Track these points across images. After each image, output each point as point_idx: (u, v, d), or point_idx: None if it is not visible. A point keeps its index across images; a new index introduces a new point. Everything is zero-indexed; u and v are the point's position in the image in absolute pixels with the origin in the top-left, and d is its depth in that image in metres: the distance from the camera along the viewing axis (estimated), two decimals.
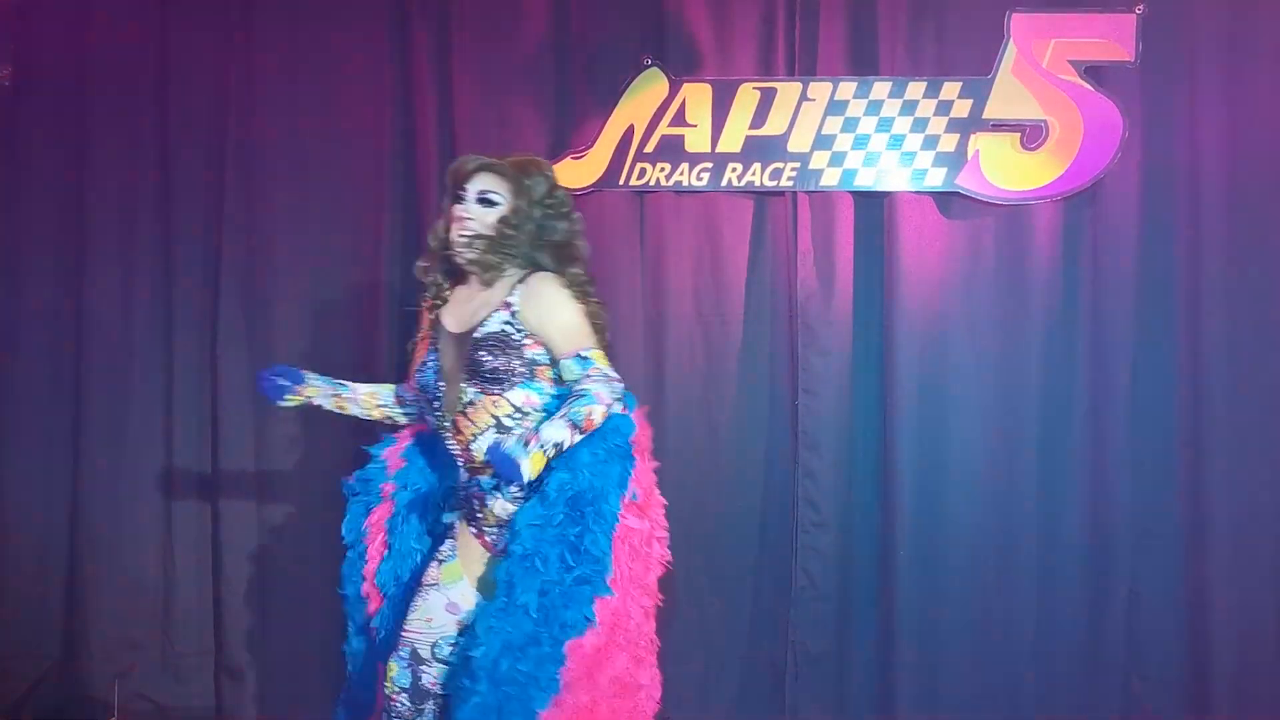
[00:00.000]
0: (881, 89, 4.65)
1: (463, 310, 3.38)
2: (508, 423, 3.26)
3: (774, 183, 4.67)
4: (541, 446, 3.08)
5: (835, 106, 4.66)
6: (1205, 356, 4.55)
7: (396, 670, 3.30)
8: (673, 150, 4.70)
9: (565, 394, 3.24)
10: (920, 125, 4.64)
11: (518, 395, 3.27)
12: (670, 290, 4.73)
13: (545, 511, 3.17)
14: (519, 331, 3.28)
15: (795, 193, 4.69)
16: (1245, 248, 4.56)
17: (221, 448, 4.79)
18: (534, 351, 3.27)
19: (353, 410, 3.68)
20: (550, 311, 3.29)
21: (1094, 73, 4.57)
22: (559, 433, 3.12)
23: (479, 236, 3.34)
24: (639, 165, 4.71)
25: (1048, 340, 4.61)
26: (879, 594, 4.64)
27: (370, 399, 3.68)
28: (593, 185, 4.70)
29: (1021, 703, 4.57)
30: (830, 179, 4.67)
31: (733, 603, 4.71)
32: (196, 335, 4.83)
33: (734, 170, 4.69)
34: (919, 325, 4.63)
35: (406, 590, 3.45)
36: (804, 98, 4.67)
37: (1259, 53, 4.56)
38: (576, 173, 4.70)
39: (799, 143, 4.67)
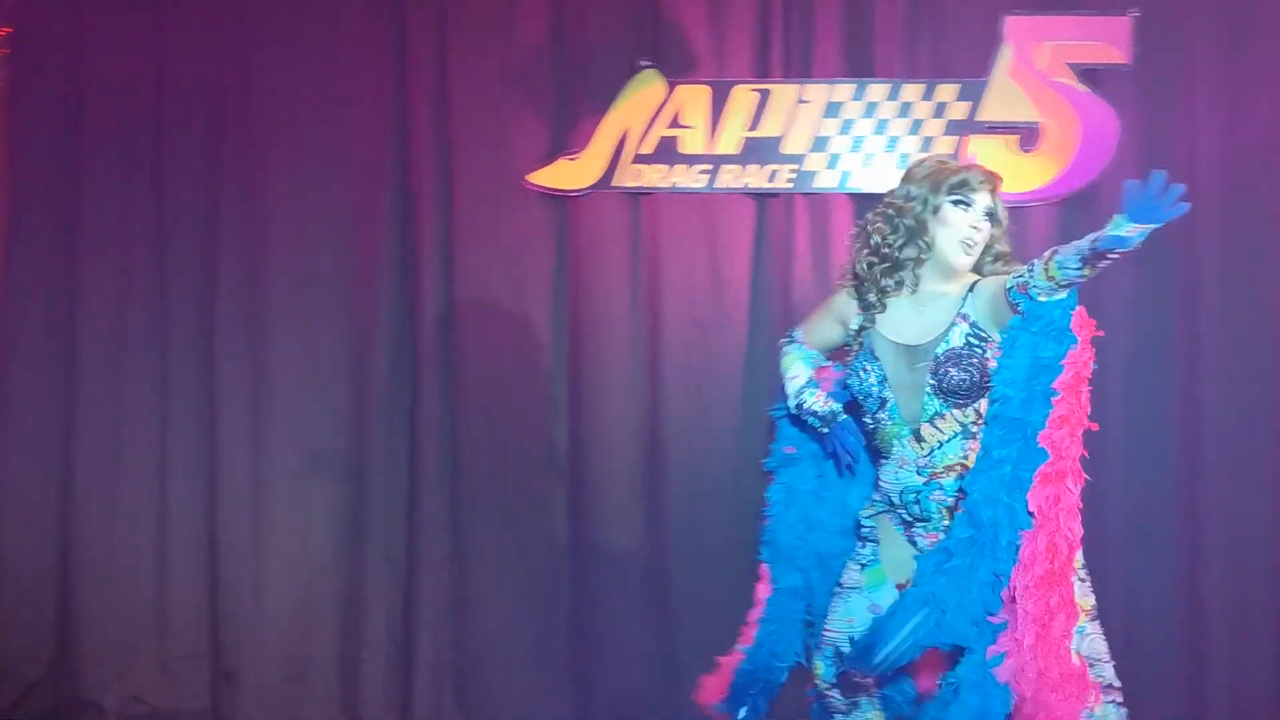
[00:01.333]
0: (878, 91, 4.66)
1: (908, 321, 3.31)
2: (973, 429, 3.24)
3: (771, 184, 4.68)
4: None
5: (832, 108, 4.67)
6: (1202, 356, 4.56)
7: (823, 669, 3.39)
8: (669, 152, 4.70)
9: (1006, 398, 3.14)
10: (917, 127, 4.65)
11: (982, 404, 3.21)
12: (666, 292, 4.73)
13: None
14: (982, 342, 3.23)
15: (792, 194, 4.69)
16: (1242, 249, 4.57)
17: (219, 446, 4.78)
18: (993, 365, 3.20)
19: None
20: (987, 292, 3.24)
21: (1090, 75, 4.58)
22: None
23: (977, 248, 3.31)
24: (635, 167, 4.71)
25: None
26: None
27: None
28: (588, 187, 4.71)
29: None
30: (827, 181, 4.67)
31: (735, 607, 4.69)
32: (194, 339, 4.82)
33: (731, 172, 4.70)
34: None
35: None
36: (800, 100, 4.67)
37: (1255, 54, 4.57)
38: (572, 174, 4.71)
39: (796, 145, 4.67)
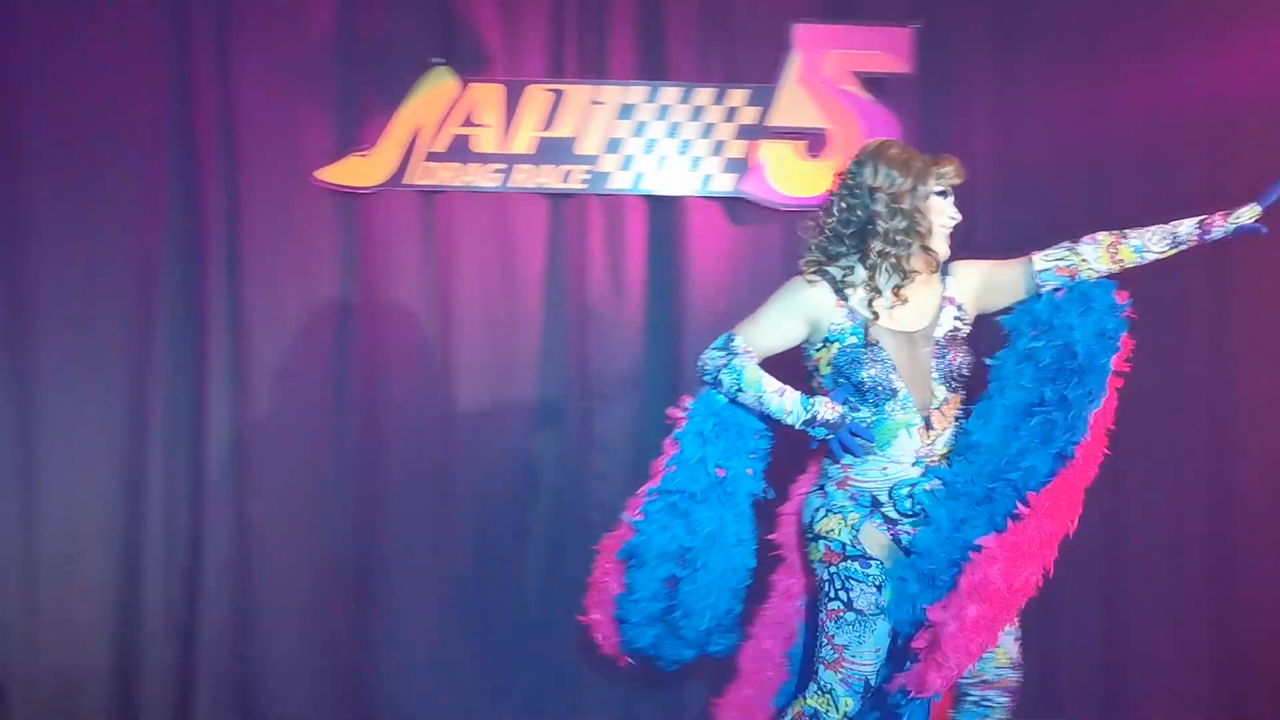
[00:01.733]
0: (670, 94, 4.70)
1: (905, 308, 3.27)
2: (961, 416, 3.26)
3: (565, 185, 4.67)
4: None
5: (625, 110, 4.69)
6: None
7: (852, 704, 3.22)
8: (462, 150, 4.65)
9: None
10: (708, 131, 4.71)
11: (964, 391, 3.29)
12: (459, 292, 4.68)
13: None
14: (966, 325, 3.31)
15: (586, 195, 4.70)
16: (1014, 251, 4.73)
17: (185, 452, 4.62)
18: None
19: None
20: (973, 275, 3.34)
21: (874, 84, 4.71)
22: None
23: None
24: (428, 165, 4.65)
25: None
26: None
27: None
28: (379, 184, 4.63)
29: None
30: (620, 182, 4.69)
31: (525, 606, 4.68)
32: None
33: (524, 172, 4.68)
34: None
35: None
36: (594, 101, 4.68)
37: (1027, 64, 4.76)
38: (362, 171, 4.63)
39: (590, 145, 4.68)
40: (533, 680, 4.67)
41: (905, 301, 3.27)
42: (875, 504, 3.24)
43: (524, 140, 4.67)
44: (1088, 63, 4.76)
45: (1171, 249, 3.25)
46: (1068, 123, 4.74)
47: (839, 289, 3.27)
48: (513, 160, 4.67)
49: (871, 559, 3.21)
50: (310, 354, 4.66)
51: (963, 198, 4.61)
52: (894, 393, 3.22)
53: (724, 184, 4.70)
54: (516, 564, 4.68)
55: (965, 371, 3.27)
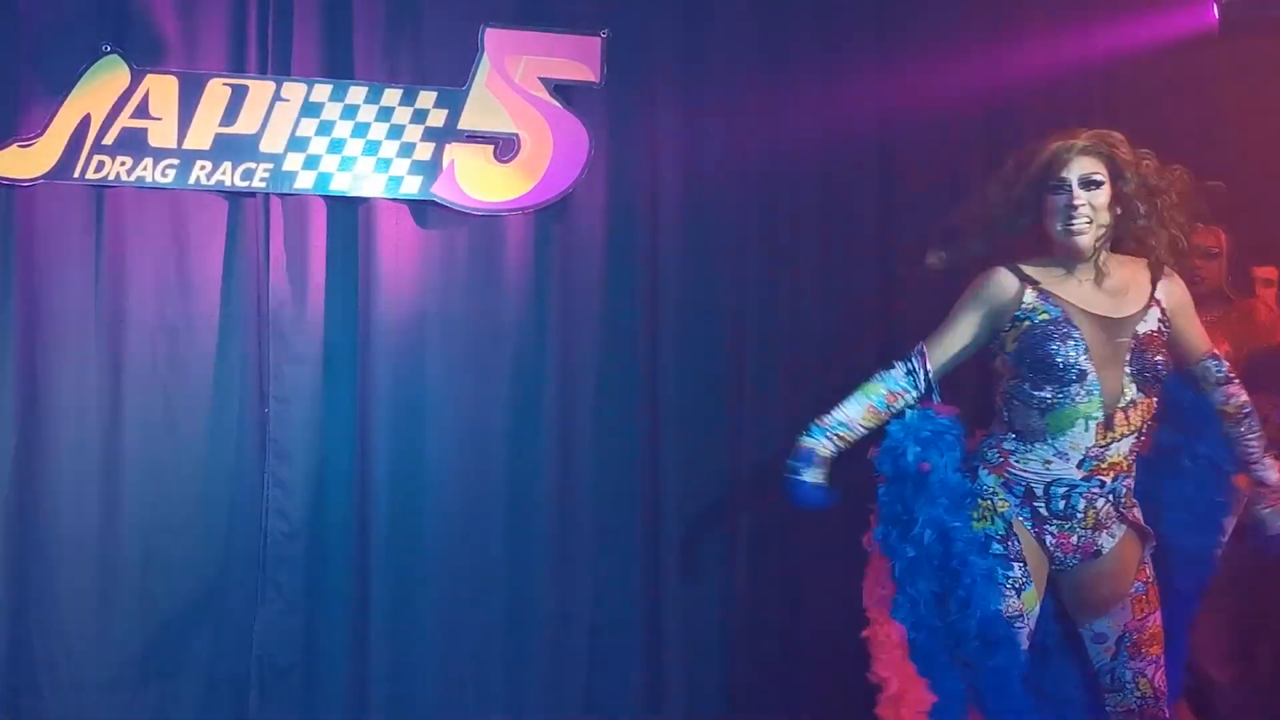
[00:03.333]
0: (357, 94, 4.60)
1: (1093, 294, 3.23)
2: (1144, 429, 3.20)
3: (246, 183, 4.51)
4: None
5: (310, 109, 4.56)
6: (662, 359, 4.77)
7: None
8: (135, 144, 4.43)
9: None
10: (396, 132, 4.63)
11: (1156, 402, 3.21)
12: (131, 292, 4.46)
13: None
14: (1166, 333, 3.25)
15: (268, 195, 4.55)
16: (698, 258, 4.85)
17: None
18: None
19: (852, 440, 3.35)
20: (1191, 318, 3.33)
21: (563, 91, 4.72)
22: None
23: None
24: (97, 158, 4.41)
25: (520, 346, 4.70)
26: (353, 603, 4.56)
27: (872, 415, 3.32)
28: (43, 176, 4.37)
29: (490, 704, 4.64)
30: (304, 182, 4.56)
31: (196, 618, 4.49)
32: None
33: (203, 168, 4.49)
34: (394, 332, 4.61)
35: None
36: (277, 97, 4.54)
37: (712, 73, 4.84)
38: (25, 162, 4.36)
39: (272, 143, 4.53)
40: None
41: (1102, 287, 3.28)
42: (1028, 495, 3.23)
43: (203, 135, 4.48)
44: (769, 70, 4.88)
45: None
46: (750, 130, 4.87)
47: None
48: (190, 156, 4.48)
49: (1015, 561, 3.21)
50: None
51: (648, 210, 4.79)
52: (1082, 375, 3.18)
53: (412, 186, 4.63)
54: (190, 577, 4.48)
55: (1159, 374, 3.23)
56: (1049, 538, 3.24)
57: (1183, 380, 3.38)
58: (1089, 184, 3.25)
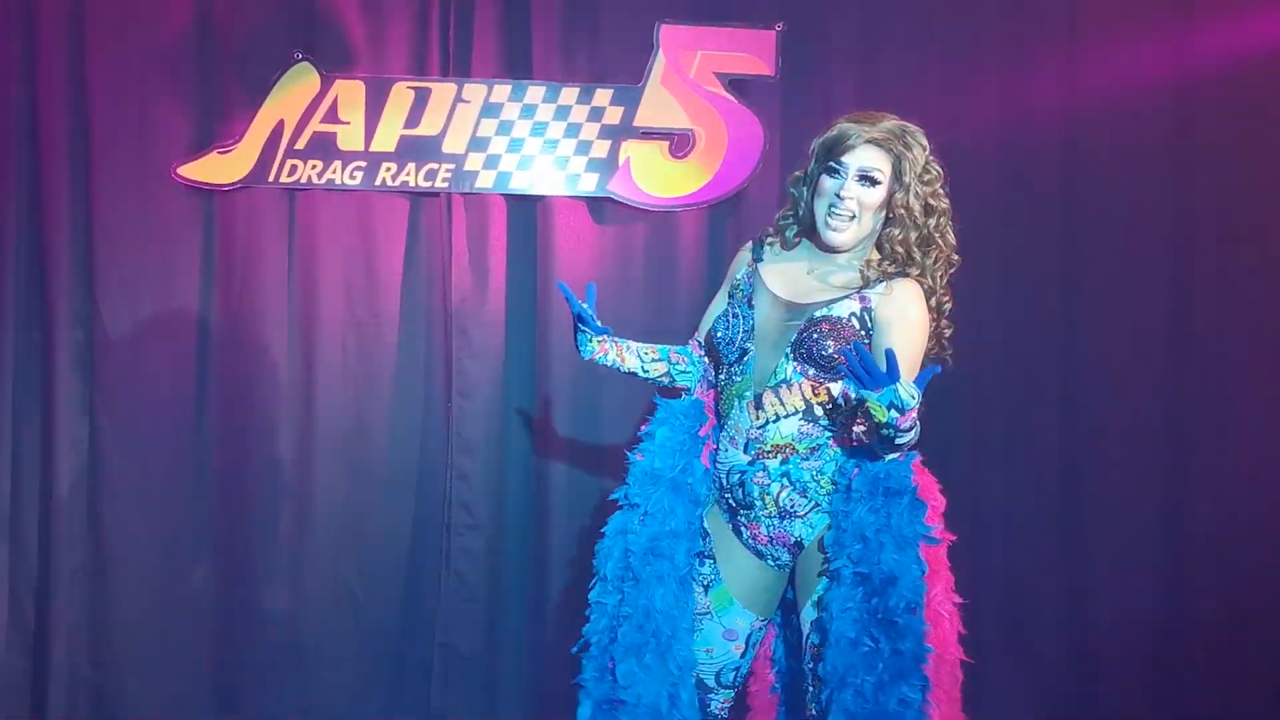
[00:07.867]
0: (535, 93, 4.69)
1: (798, 278, 3.07)
2: (817, 412, 2.94)
3: (429, 184, 4.65)
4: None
5: (490, 109, 4.67)
6: None
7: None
8: (325, 148, 4.61)
9: None
10: (574, 130, 4.70)
11: (837, 387, 2.91)
12: (322, 290, 4.64)
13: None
14: (865, 329, 2.97)
15: (450, 194, 4.68)
16: None
17: None
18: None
19: (631, 363, 3.27)
20: (904, 333, 2.94)
21: (738, 85, 4.73)
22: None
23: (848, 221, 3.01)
24: (290, 162, 4.60)
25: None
26: (531, 595, 4.68)
27: (650, 352, 3.28)
28: (240, 181, 4.58)
29: None
30: (485, 181, 4.68)
31: (383, 606, 4.67)
32: None
33: (388, 170, 4.64)
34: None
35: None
36: (459, 99, 4.66)
37: (886, 69, 4.80)
38: (223, 168, 4.58)
39: (454, 144, 4.66)
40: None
41: (810, 275, 3.08)
42: (720, 488, 3.11)
43: (388, 138, 4.63)
44: (951, 65, 4.83)
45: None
46: (927, 124, 4.79)
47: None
48: (376, 158, 4.63)
49: (707, 557, 3.12)
50: (168, 352, 4.60)
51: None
52: (743, 353, 3.05)
53: (588, 183, 4.70)
54: (379, 565, 4.65)
55: (826, 361, 2.96)
56: (744, 529, 3.09)
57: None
58: (865, 179, 3.01)
